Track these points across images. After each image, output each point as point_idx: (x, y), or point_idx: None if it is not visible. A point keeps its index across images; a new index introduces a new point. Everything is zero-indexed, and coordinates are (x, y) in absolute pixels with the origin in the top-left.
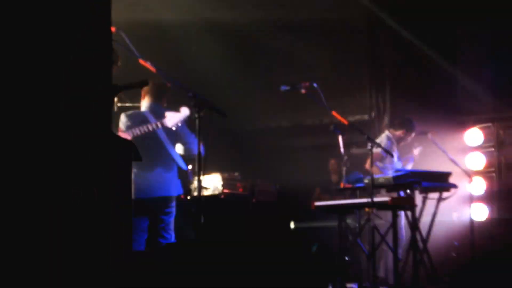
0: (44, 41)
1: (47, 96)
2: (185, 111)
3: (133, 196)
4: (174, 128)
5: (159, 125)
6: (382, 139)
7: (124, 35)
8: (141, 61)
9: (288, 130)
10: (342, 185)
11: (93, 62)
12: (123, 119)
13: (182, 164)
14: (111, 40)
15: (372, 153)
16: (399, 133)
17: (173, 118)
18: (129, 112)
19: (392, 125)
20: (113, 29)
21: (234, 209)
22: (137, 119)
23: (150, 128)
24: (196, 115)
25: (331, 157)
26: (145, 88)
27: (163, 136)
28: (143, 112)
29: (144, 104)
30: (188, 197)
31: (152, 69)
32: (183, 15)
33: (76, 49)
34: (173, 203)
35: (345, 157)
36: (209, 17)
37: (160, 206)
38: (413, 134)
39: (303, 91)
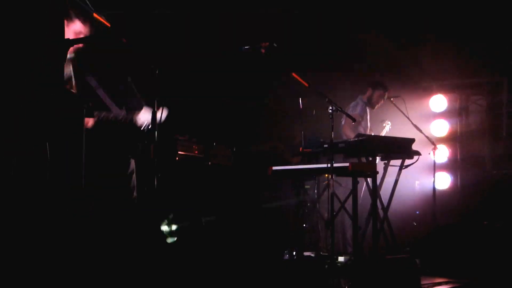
0: None
1: None
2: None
3: None
4: (143, 128)
5: (127, 120)
6: (355, 102)
7: None
8: (95, 15)
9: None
10: (301, 149)
11: (43, 16)
12: None
13: None
14: None
15: (332, 116)
16: (367, 94)
17: (145, 116)
18: None
19: (361, 91)
20: None
21: (189, 172)
22: None
23: (114, 117)
24: (154, 72)
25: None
26: None
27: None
28: None
29: None
30: None
31: (107, 23)
32: None
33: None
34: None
35: (305, 121)
36: None
37: None
38: (381, 92)
39: (262, 51)
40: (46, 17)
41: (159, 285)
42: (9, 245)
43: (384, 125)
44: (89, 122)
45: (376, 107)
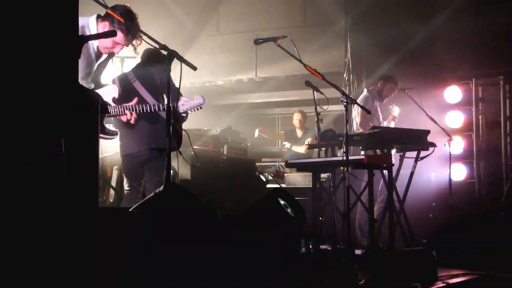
0: None
1: (7, 46)
2: (199, 100)
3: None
4: (182, 113)
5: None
6: (364, 95)
7: None
8: (109, 11)
9: (260, 84)
10: (316, 142)
11: (57, 12)
12: None
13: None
14: None
15: (347, 109)
16: (378, 87)
17: (186, 104)
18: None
19: (371, 84)
20: None
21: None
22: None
23: (154, 109)
24: (167, 67)
25: (296, 110)
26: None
27: (141, 88)
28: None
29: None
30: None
31: (120, 19)
32: None
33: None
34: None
35: (320, 113)
36: None
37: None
38: (393, 86)
39: (276, 44)
40: (60, 14)
41: (175, 276)
42: (24, 243)
43: (391, 109)
44: (132, 118)
45: (385, 100)
